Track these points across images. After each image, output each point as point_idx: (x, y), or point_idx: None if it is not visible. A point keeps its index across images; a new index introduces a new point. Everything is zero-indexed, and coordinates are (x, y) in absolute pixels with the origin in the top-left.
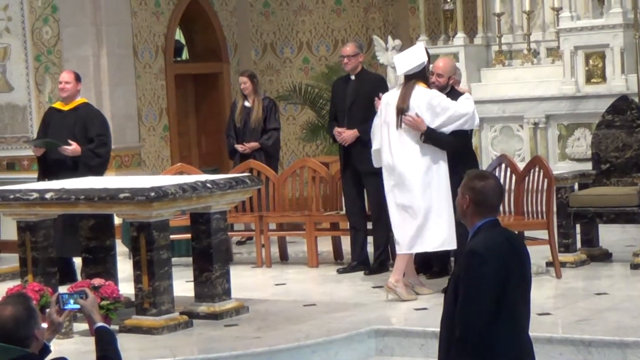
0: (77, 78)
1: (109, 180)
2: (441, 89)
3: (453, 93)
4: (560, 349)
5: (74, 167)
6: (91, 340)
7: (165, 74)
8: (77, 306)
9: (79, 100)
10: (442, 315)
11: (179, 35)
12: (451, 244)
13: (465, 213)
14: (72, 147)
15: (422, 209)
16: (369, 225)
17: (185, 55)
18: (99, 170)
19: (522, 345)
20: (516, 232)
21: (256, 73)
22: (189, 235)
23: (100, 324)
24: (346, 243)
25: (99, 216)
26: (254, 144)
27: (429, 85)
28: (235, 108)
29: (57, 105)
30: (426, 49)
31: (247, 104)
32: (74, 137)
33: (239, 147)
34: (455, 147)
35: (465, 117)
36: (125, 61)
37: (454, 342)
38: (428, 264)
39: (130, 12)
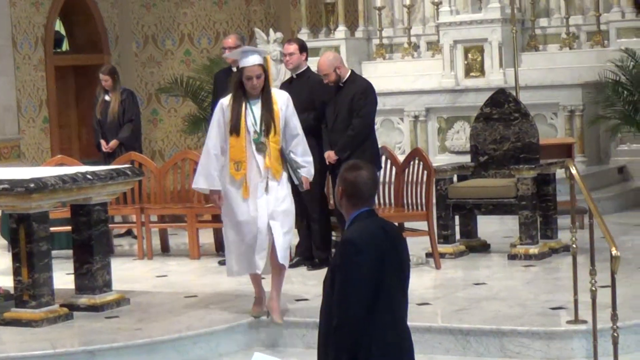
0: None
1: None
2: (336, 83)
3: (353, 81)
4: (440, 339)
5: None
6: None
7: (45, 66)
8: None
9: None
10: (321, 306)
11: (59, 27)
12: None
13: (340, 204)
14: None
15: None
16: None
17: (65, 46)
18: None
19: (401, 334)
20: (393, 222)
21: (117, 68)
22: (69, 228)
23: None
24: None
25: None
26: (114, 143)
27: None
28: (97, 102)
29: None
30: (303, 43)
31: (107, 98)
32: None
33: (103, 146)
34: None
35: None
36: (4, 52)
37: (332, 332)
38: (310, 255)
39: (8, 2)
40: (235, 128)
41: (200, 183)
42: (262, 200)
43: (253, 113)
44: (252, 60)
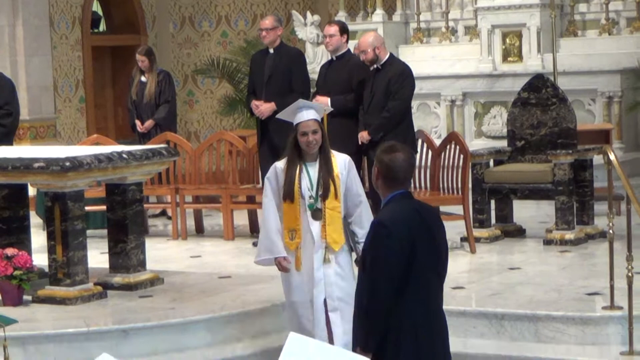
0: None
1: (24, 150)
2: (372, 63)
3: (391, 64)
4: (474, 322)
5: None
6: None
7: (82, 46)
8: None
9: None
10: (356, 286)
11: (96, 7)
12: None
13: (376, 185)
14: None
15: None
16: None
17: (102, 27)
18: (2, 140)
19: (432, 317)
20: (431, 205)
21: (153, 50)
22: (104, 207)
23: None
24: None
25: (12, 186)
26: (149, 123)
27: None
28: (132, 82)
29: None
30: (345, 25)
31: (143, 79)
32: None
33: (138, 126)
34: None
35: None
36: (41, 31)
37: (363, 312)
38: None
39: None
40: (289, 193)
41: (262, 254)
42: (320, 274)
43: (309, 176)
44: (306, 115)
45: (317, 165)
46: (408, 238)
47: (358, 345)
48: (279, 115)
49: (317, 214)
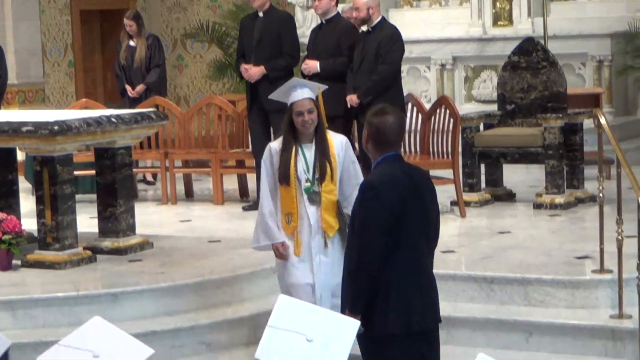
0: None
1: (12, 114)
2: (363, 23)
3: (381, 27)
4: (464, 286)
5: None
6: None
7: (71, 9)
8: None
9: None
10: (345, 249)
11: None
12: None
13: (367, 148)
14: None
15: None
16: None
17: None
18: None
19: (421, 280)
20: (422, 168)
21: (142, 14)
22: (93, 171)
23: None
24: (252, 181)
25: (0, 150)
26: (140, 87)
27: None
28: (120, 47)
29: None
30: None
31: (132, 43)
32: None
33: (129, 91)
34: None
35: None
36: None
37: (352, 274)
38: None
39: None
40: (284, 176)
41: (260, 240)
42: (318, 261)
43: (305, 158)
44: (301, 94)
45: (313, 146)
46: (397, 200)
47: (347, 307)
48: (272, 96)
49: (314, 197)
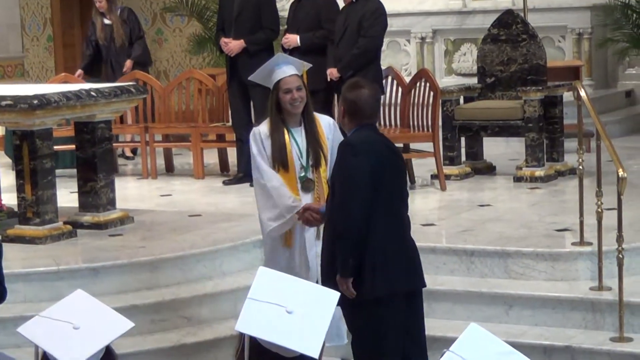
0: None
1: None
2: None
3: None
4: (444, 259)
5: None
6: None
7: None
8: None
9: None
10: (328, 215)
11: None
12: None
13: (343, 123)
14: None
15: None
16: None
17: None
18: None
19: (404, 242)
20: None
21: None
22: (73, 146)
23: None
24: (232, 155)
25: None
26: (129, 63)
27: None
28: (94, 27)
29: None
30: None
31: (106, 21)
32: None
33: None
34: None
35: None
36: None
37: (337, 235)
38: None
39: None
40: (282, 162)
41: (284, 215)
42: (313, 253)
43: (297, 143)
44: (288, 71)
45: (301, 130)
46: (376, 157)
47: (338, 272)
48: (252, 77)
49: (308, 184)
